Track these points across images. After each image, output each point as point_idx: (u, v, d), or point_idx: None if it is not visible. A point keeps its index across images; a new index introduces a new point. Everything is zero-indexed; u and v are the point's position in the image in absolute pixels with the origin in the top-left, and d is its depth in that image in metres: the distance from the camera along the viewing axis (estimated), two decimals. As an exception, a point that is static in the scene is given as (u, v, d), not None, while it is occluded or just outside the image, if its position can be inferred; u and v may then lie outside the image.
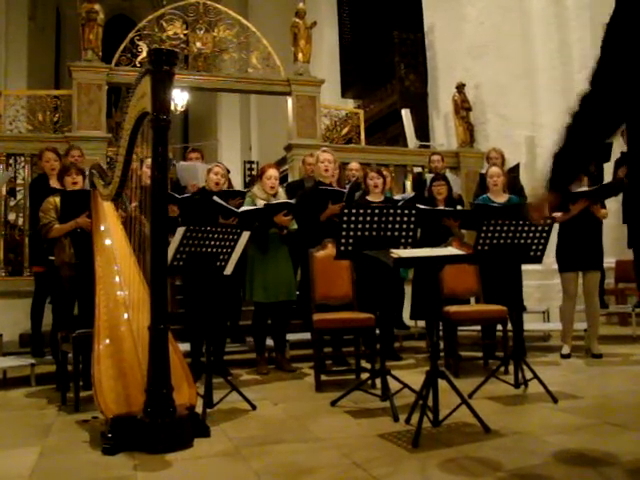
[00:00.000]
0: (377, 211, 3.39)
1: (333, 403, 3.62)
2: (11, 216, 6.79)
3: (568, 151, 1.94)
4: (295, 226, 4.97)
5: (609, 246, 6.81)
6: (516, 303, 4.33)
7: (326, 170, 5.21)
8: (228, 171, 5.97)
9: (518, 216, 3.81)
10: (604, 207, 5.16)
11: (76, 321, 3.78)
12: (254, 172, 13.31)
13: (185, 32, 7.43)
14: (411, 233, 3.45)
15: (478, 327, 5.12)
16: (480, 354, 4.98)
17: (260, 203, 4.79)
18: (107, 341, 3.24)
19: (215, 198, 4.56)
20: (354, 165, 6.14)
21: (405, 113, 8.80)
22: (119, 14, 17.60)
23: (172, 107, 9.83)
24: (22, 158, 6.63)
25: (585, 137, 1.89)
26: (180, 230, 3.47)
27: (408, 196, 6.00)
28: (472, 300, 5.09)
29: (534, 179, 7.46)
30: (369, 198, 5.07)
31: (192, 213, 4.61)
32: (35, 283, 5.15)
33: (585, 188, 4.99)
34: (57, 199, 4.36)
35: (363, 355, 4.67)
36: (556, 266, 5.24)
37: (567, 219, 5.02)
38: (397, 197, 5.56)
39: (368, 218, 3.36)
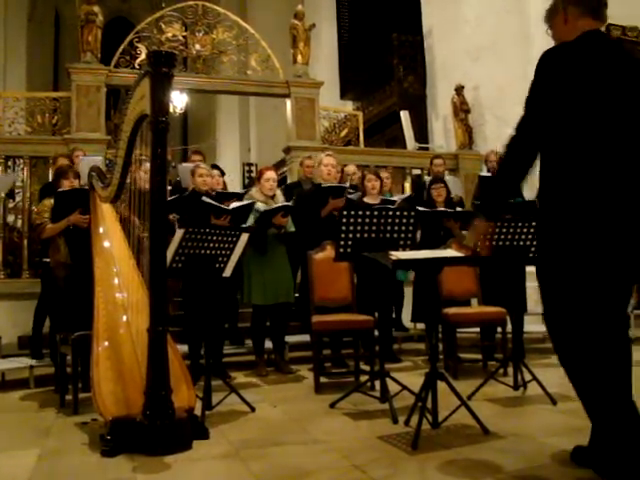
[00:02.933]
0: (376, 213, 3.39)
1: (332, 405, 3.62)
2: (10, 218, 6.79)
3: (501, 176, 2.44)
4: (293, 228, 4.97)
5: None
6: (518, 304, 4.32)
7: (328, 174, 5.22)
8: (223, 173, 5.96)
9: (524, 216, 3.80)
10: None
11: (74, 323, 3.78)
12: (253, 174, 13.31)
13: (184, 34, 7.44)
14: (410, 235, 3.45)
15: (477, 329, 5.12)
16: (479, 356, 4.98)
17: (258, 205, 4.79)
18: (106, 343, 3.24)
19: (204, 198, 4.53)
20: (351, 168, 6.14)
21: (404, 115, 8.81)
22: (118, 16, 17.58)
23: (171, 109, 9.82)
24: (21, 160, 6.62)
25: (512, 170, 2.40)
26: (179, 232, 3.47)
27: (405, 196, 6.00)
28: (474, 302, 5.07)
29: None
30: (366, 200, 5.07)
31: (184, 213, 4.60)
32: (41, 284, 5.13)
33: None
34: (52, 201, 4.36)
35: (362, 357, 4.67)
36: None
37: None
38: (395, 198, 5.56)
39: (367, 220, 3.36)
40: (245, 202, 4.74)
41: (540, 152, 2.31)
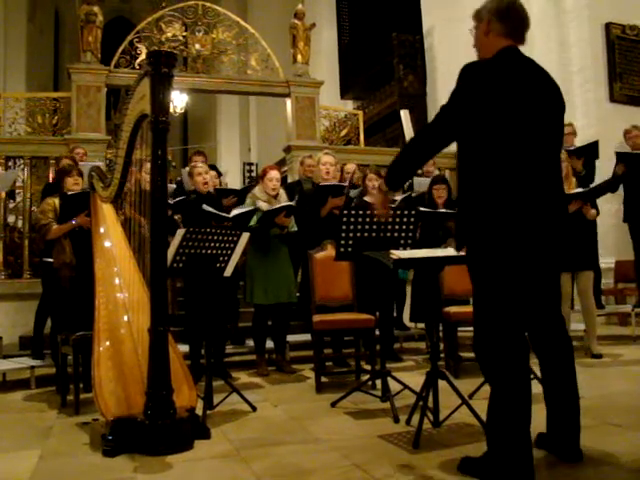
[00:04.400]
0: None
1: (333, 404, 3.62)
2: (10, 218, 6.79)
3: (404, 159, 2.67)
4: (295, 228, 4.97)
5: (609, 246, 6.82)
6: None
7: (327, 173, 5.21)
8: (220, 174, 5.96)
9: None
10: (595, 207, 5.18)
11: (76, 323, 3.79)
12: (253, 174, 13.31)
13: (184, 34, 7.45)
14: (411, 234, 3.45)
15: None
16: (480, 355, 4.97)
17: (261, 204, 4.78)
18: (107, 343, 3.24)
19: (204, 207, 4.50)
20: (350, 167, 6.13)
21: (404, 114, 8.79)
22: (118, 16, 17.61)
23: (171, 109, 9.83)
24: (21, 160, 6.63)
25: (418, 153, 2.64)
26: (180, 232, 3.47)
27: (405, 196, 5.98)
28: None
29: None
30: (367, 199, 5.06)
31: (187, 215, 4.60)
32: (42, 285, 5.13)
33: (580, 189, 4.99)
34: (56, 200, 4.36)
35: (363, 356, 4.67)
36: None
37: None
38: (397, 197, 5.55)
39: (368, 219, 3.36)
40: (246, 209, 4.72)
41: (459, 159, 2.47)
